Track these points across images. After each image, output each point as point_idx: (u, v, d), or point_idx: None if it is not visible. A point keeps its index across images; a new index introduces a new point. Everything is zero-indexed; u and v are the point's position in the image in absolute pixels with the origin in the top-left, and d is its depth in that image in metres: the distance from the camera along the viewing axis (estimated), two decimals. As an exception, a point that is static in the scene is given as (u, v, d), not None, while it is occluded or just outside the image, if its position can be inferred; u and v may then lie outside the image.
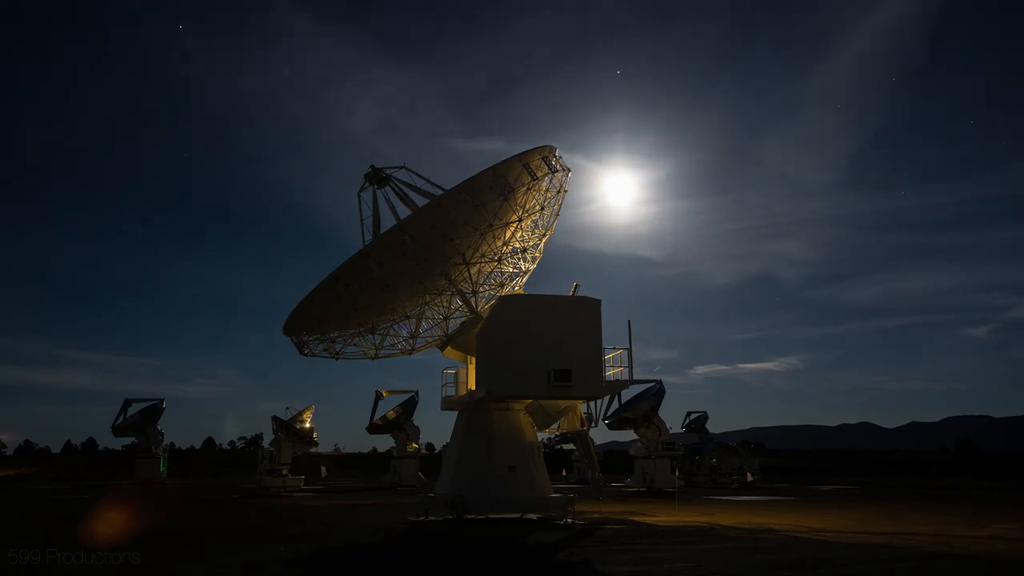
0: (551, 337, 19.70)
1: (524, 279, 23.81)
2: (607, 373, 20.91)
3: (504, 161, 20.69)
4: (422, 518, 21.07)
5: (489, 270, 23.26)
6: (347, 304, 22.24)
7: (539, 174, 21.70)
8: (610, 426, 46.99)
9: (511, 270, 23.49)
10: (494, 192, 20.60)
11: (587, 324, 20.32)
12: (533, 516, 21.10)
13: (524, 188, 21.54)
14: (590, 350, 20.12)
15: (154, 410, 58.98)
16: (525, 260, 23.68)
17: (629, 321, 21.51)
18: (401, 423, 54.76)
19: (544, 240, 23.69)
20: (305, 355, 23.71)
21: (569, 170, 22.62)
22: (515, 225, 22.63)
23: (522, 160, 21.13)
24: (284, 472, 44.20)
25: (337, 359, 23.98)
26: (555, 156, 22.07)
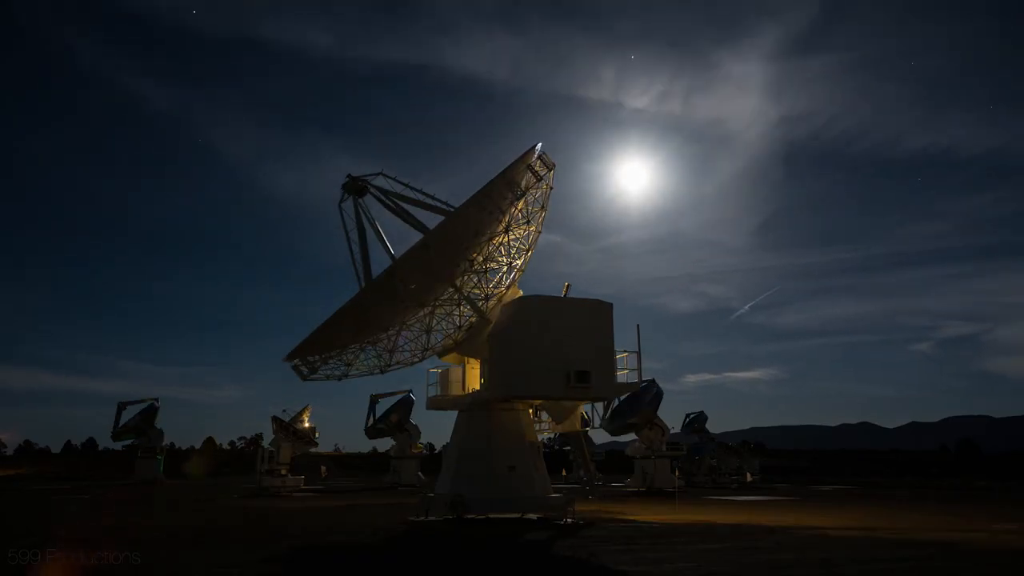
0: (569, 339, 19.81)
1: (517, 276, 23.65)
2: (617, 375, 20.95)
3: (511, 166, 20.75)
4: (422, 518, 21.08)
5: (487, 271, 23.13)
6: (360, 326, 22.08)
7: (541, 173, 21.81)
8: (612, 431, 47.17)
9: (505, 268, 23.37)
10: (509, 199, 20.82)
11: (601, 326, 20.48)
12: (533, 516, 21.10)
13: (519, 190, 21.53)
14: (604, 352, 20.25)
15: (150, 410, 59.14)
16: (520, 255, 23.51)
17: (638, 325, 21.79)
18: (403, 424, 54.72)
19: (533, 240, 23.53)
20: (306, 380, 23.31)
21: (554, 164, 22.58)
22: (520, 227, 22.64)
23: (524, 162, 21.20)
24: (283, 472, 44.24)
25: (341, 380, 23.72)
26: (543, 154, 22.12)
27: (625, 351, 21.52)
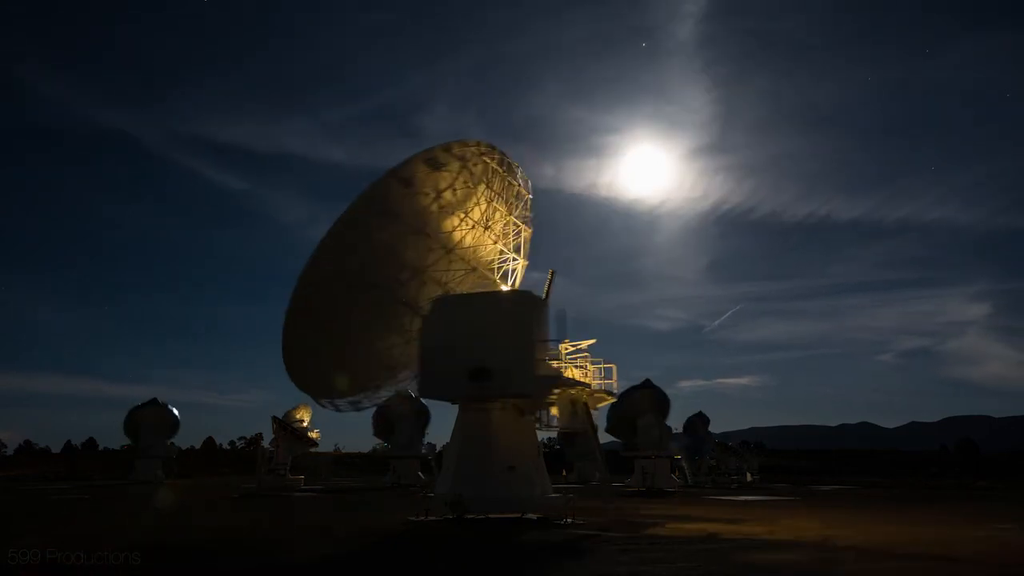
0: (474, 336, 19.36)
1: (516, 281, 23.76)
2: (546, 368, 20.26)
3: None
4: (422, 518, 21.05)
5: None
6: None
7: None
8: (609, 430, 47.54)
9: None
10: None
11: (518, 320, 19.64)
12: (533, 516, 21.08)
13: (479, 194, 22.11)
14: (519, 346, 19.40)
15: (151, 411, 59.17)
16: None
17: (564, 310, 20.97)
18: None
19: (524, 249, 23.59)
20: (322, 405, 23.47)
21: (518, 166, 22.91)
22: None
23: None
24: (283, 472, 44.25)
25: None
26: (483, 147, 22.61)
27: (573, 344, 21.07)
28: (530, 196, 23.31)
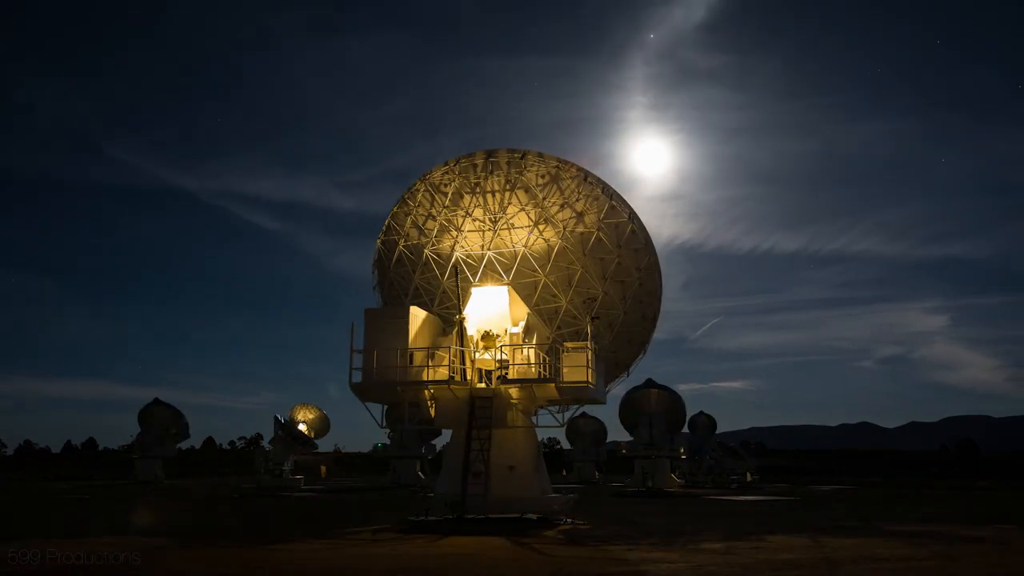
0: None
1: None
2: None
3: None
4: (422, 518, 21.03)
5: None
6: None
7: None
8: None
9: None
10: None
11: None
12: (533, 516, 21.06)
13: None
14: None
15: (151, 411, 59.08)
16: None
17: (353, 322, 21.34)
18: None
19: None
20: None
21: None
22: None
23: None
24: (280, 473, 44.24)
25: None
26: None
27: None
28: None
